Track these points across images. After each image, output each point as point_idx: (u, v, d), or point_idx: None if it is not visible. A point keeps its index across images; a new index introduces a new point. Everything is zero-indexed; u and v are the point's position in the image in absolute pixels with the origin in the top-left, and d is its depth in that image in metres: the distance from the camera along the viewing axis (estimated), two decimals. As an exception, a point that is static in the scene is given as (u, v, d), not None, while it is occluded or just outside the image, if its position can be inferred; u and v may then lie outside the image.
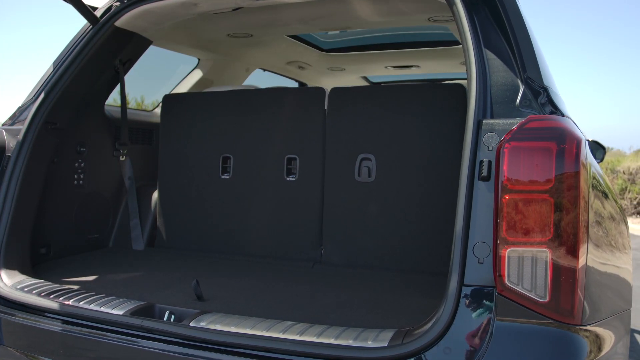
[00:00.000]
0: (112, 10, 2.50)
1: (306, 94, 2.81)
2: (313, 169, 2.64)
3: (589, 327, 1.47)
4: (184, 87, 3.65)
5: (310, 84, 4.96)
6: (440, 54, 3.97)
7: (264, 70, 4.31)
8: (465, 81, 3.20)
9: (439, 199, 2.43)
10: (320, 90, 2.69)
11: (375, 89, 2.74)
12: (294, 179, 2.66)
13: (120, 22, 2.52)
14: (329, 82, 5.09)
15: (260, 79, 4.33)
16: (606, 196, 1.75)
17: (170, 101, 3.00)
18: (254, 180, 2.76)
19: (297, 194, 2.66)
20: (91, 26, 2.52)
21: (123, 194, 2.99)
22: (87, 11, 2.46)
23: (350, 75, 4.85)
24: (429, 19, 2.91)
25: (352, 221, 2.58)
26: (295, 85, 4.88)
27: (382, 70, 4.54)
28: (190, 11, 2.54)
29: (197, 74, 3.67)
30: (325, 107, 2.65)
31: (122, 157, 2.98)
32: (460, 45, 3.64)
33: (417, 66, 4.33)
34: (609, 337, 1.57)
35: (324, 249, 2.62)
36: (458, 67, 4.23)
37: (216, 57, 3.66)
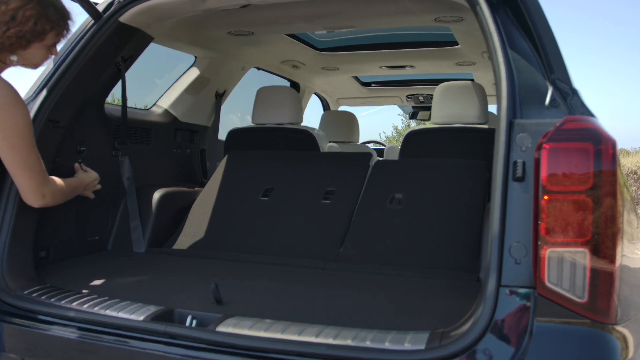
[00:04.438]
0: (115, 6, 2.43)
1: (358, 156, 3.26)
2: (348, 197, 2.88)
3: (621, 327, 1.49)
4: (180, 86, 3.57)
5: (304, 83, 4.92)
6: (435, 55, 3.98)
7: (259, 69, 4.26)
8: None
9: (465, 208, 2.59)
10: (368, 154, 3.19)
11: (414, 160, 3.18)
12: (328, 202, 2.88)
13: (124, 18, 2.44)
14: (321, 81, 5.07)
15: (255, 79, 4.28)
16: (627, 190, 1.77)
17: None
18: (290, 201, 2.95)
19: (328, 211, 2.85)
20: (93, 22, 2.44)
21: (122, 194, 2.90)
22: (90, 6, 2.39)
23: (343, 74, 4.84)
24: (435, 19, 2.90)
25: (377, 228, 2.66)
26: (287, 83, 4.85)
27: (377, 70, 4.54)
28: (198, 7, 2.48)
29: (194, 73, 3.60)
30: (370, 163, 3.07)
31: (121, 157, 2.89)
32: (458, 46, 3.69)
33: (412, 66, 4.34)
34: (636, 336, 1.58)
35: (344, 247, 2.61)
36: (453, 67, 4.25)
37: (213, 55, 3.59)
